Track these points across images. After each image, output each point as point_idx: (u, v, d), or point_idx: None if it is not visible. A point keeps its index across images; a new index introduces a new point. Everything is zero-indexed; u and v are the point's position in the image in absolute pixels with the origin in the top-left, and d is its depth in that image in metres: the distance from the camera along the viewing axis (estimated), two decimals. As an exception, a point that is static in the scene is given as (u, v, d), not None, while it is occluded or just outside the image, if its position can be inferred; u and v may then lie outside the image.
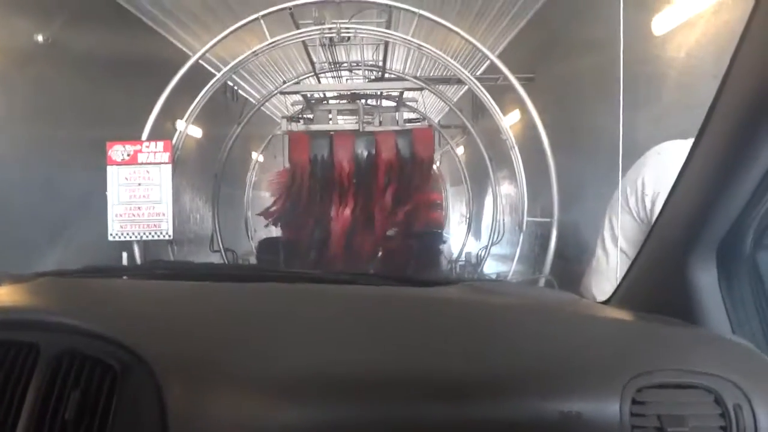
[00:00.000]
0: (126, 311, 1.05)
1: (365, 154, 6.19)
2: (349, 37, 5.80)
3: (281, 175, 6.60)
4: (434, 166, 7.21)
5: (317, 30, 5.56)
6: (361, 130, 6.73)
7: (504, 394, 0.85)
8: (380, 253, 6.45)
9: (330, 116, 7.36)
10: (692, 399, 0.87)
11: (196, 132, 8.25)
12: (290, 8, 5.41)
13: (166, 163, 5.02)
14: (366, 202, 6.19)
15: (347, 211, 6.08)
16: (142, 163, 5.01)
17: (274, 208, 6.56)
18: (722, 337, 1.06)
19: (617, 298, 1.31)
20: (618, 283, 1.35)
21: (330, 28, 5.51)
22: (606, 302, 1.34)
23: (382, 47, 7.13)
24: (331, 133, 6.56)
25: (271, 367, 0.88)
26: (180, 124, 5.54)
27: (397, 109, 7.75)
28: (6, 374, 0.85)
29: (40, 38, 5.57)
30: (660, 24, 4.56)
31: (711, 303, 1.10)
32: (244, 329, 1.00)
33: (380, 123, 7.25)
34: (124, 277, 1.54)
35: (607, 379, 0.87)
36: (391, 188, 6.12)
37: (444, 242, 6.81)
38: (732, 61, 0.95)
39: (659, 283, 1.20)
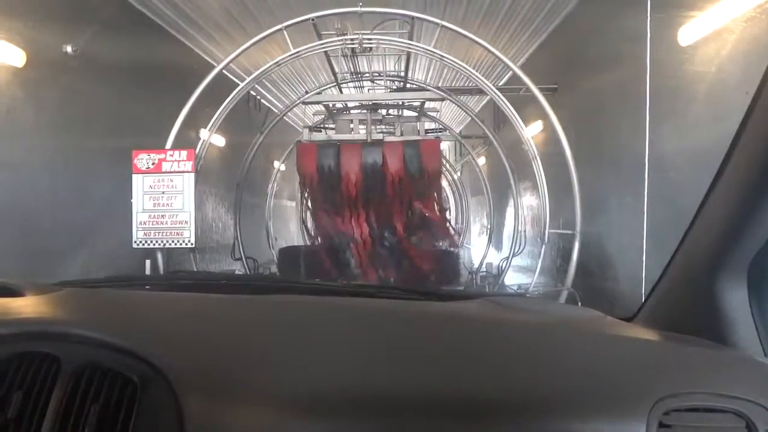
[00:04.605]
0: (146, 324, 1.05)
1: (371, 164, 6.19)
2: (371, 48, 5.82)
3: None
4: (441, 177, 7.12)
5: (339, 41, 5.60)
6: (368, 140, 6.71)
7: (525, 414, 0.83)
8: (386, 263, 6.44)
9: (351, 126, 7.39)
10: (722, 423, 0.84)
11: (219, 141, 8.34)
12: (313, 19, 5.45)
13: (190, 171, 5.08)
14: (372, 212, 6.21)
15: (352, 221, 6.11)
16: (166, 172, 5.08)
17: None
18: (753, 359, 1.03)
19: (643, 315, 1.27)
20: (644, 299, 1.32)
21: (352, 39, 5.54)
22: (630, 319, 1.30)
23: (404, 57, 7.14)
24: (339, 143, 6.57)
25: (290, 382, 0.87)
26: (204, 133, 5.60)
27: (418, 119, 7.74)
28: (28, 387, 0.86)
29: (69, 49, 5.69)
30: (687, 34, 4.49)
31: (741, 323, 1.07)
32: (264, 343, 1.00)
33: (401, 133, 7.26)
34: (147, 287, 1.55)
35: (633, 401, 0.84)
36: (397, 199, 6.14)
37: (458, 255, 6.75)
38: (764, 80, 0.92)
39: (687, 301, 1.17)
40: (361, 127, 7.30)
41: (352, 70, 7.74)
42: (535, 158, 5.31)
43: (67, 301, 1.19)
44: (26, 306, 1.10)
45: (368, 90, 9.03)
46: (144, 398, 0.84)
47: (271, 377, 0.89)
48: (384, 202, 6.17)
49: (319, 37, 5.78)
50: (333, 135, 7.37)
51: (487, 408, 0.84)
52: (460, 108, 7.92)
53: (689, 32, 4.47)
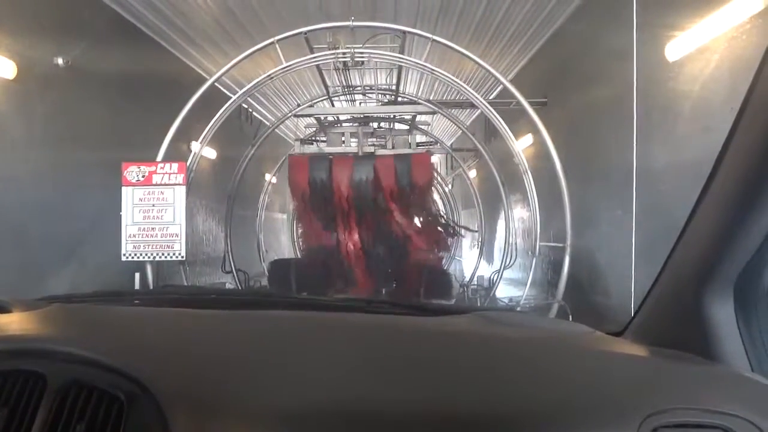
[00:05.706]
0: (133, 341, 1.04)
1: (362, 178, 6.19)
2: (362, 62, 5.85)
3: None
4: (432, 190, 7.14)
5: (331, 54, 5.63)
6: (360, 153, 6.73)
7: (514, 431, 0.83)
8: (377, 276, 6.42)
9: (343, 139, 7.42)
10: None
11: (211, 153, 8.32)
12: (305, 33, 5.48)
13: (181, 184, 5.06)
14: (363, 225, 6.21)
15: (344, 234, 6.10)
16: (156, 184, 5.06)
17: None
18: (741, 374, 1.03)
19: (631, 330, 1.27)
20: (632, 314, 1.32)
21: (344, 53, 5.57)
22: (619, 334, 1.31)
23: (395, 71, 7.19)
24: (330, 156, 6.59)
25: (279, 399, 0.87)
26: (195, 146, 5.59)
27: (409, 132, 7.77)
28: (13, 405, 0.85)
29: (60, 61, 5.68)
30: (672, 51, 4.57)
31: (728, 338, 1.07)
32: (253, 360, 0.99)
33: (393, 146, 7.28)
34: (136, 302, 1.53)
35: (622, 417, 0.84)
36: (387, 212, 6.14)
37: (444, 270, 6.72)
38: (747, 95, 0.94)
39: (674, 317, 1.17)
40: (353, 140, 7.32)
41: (344, 83, 7.77)
42: (526, 172, 5.34)
43: (53, 318, 1.18)
44: (12, 323, 1.08)
45: (360, 103, 9.06)
46: (131, 416, 0.83)
47: (260, 394, 0.88)
48: (375, 215, 6.17)
49: (311, 50, 5.81)
50: (324, 148, 7.39)
51: (477, 424, 0.83)
52: (451, 121, 7.96)
53: (674, 50, 4.57)
